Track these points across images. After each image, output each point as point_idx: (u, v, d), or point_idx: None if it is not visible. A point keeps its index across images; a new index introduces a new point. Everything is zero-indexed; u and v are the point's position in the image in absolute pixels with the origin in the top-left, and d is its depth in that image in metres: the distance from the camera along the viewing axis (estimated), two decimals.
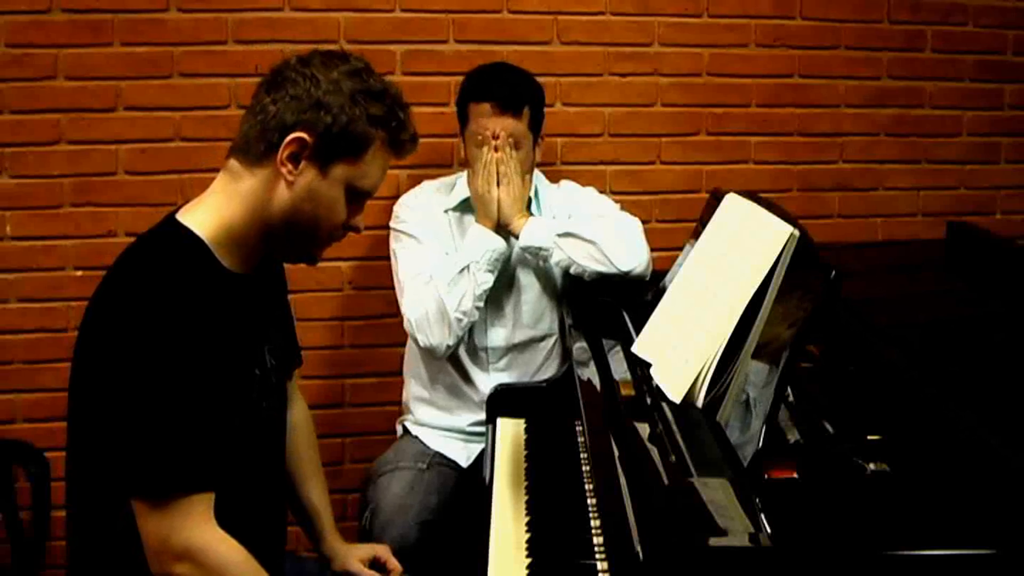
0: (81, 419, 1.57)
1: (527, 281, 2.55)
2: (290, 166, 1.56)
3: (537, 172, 2.65)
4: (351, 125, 1.56)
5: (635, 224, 2.51)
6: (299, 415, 1.99)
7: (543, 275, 2.55)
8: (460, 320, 2.41)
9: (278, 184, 1.57)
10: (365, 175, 1.61)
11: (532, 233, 2.43)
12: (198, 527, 1.49)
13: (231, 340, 1.56)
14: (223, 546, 1.52)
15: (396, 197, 2.81)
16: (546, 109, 2.60)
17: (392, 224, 2.59)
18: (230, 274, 1.60)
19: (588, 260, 2.40)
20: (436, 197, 2.60)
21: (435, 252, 2.51)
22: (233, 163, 1.60)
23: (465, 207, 2.56)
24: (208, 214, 1.59)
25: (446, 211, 2.57)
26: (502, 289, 2.52)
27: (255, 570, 1.54)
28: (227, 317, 1.55)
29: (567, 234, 2.42)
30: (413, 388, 2.63)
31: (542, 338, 2.57)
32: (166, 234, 1.58)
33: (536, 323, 2.56)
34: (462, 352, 2.53)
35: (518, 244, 2.45)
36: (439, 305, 2.39)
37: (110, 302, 1.53)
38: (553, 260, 2.43)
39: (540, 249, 2.43)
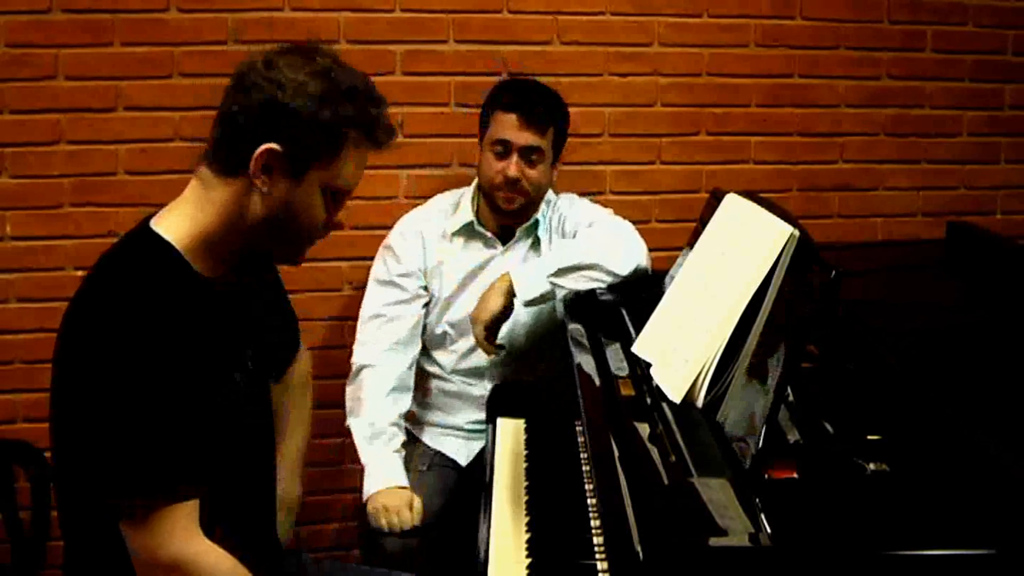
0: (61, 427, 1.55)
1: (528, 319, 2.53)
2: (264, 177, 1.52)
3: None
4: (322, 129, 1.51)
5: (627, 225, 2.49)
6: (298, 377, 1.97)
7: (543, 316, 2.52)
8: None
9: (252, 194, 1.54)
10: (340, 175, 1.56)
11: (527, 287, 2.29)
12: (184, 538, 1.48)
13: (207, 346, 1.53)
14: (212, 556, 1.50)
15: (396, 198, 2.83)
16: None
17: (385, 242, 2.57)
18: (204, 280, 1.57)
19: (594, 283, 2.30)
20: (436, 221, 2.56)
21: (407, 294, 2.50)
22: (204, 171, 1.57)
23: (467, 231, 2.54)
24: (181, 221, 1.57)
25: (446, 235, 2.54)
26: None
27: None
28: (202, 323, 1.53)
29: (568, 269, 2.30)
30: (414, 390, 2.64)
31: (544, 357, 2.56)
32: (138, 242, 1.56)
33: (535, 343, 2.55)
34: (458, 373, 2.56)
35: (520, 303, 2.32)
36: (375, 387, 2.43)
37: (83, 312, 1.52)
38: (560, 296, 2.35)
39: (544, 296, 2.31)
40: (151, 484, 1.46)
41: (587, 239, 2.41)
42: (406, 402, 2.48)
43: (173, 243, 1.55)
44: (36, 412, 2.73)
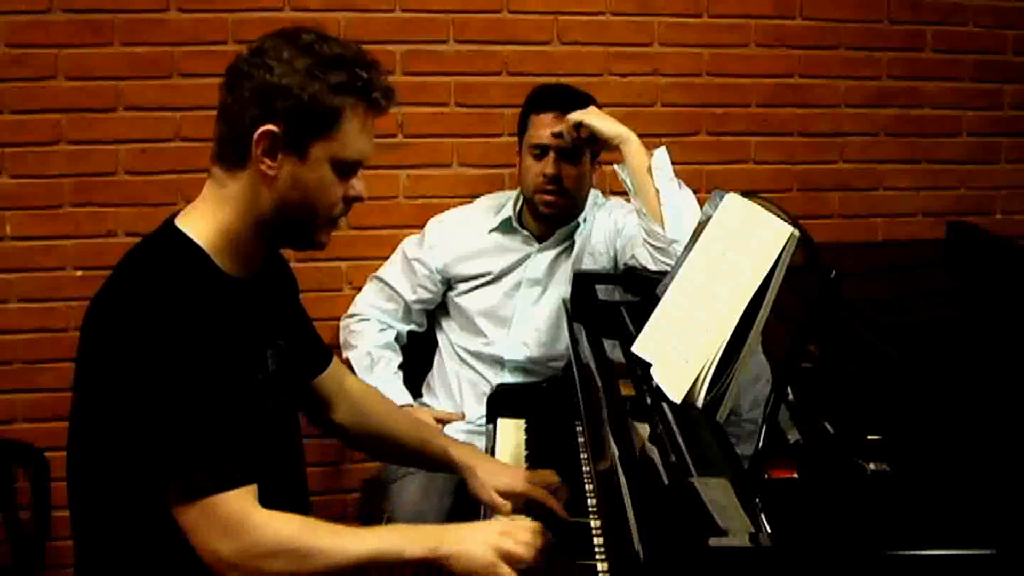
0: (90, 426, 1.54)
1: (551, 299, 2.56)
2: (268, 161, 1.52)
3: (592, 191, 2.64)
4: (315, 102, 1.50)
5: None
6: (356, 387, 1.98)
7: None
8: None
9: (262, 181, 1.54)
10: (346, 146, 1.55)
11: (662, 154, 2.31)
12: (250, 519, 1.47)
13: (234, 344, 1.54)
14: (274, 524, 1.49)
15: (396, 198, 2.83)
16: None
17: (422, 233, 2.65)
18: (230, 279, 1.58)
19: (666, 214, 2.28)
20: (478, 217, 2.64)
21: (413, 277, 2.63)
22: (215, 170, 1.58)
23: (505, 228, 2.60)
24: (204, 220, 1.57)
25: (485, 231, 2.61)
26: (527, 305, 2.56)
27: (316, 530, 1.53)
28: (229, 321, 1.54)
29: (673, 182, 2.32)
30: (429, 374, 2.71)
31: (559, 357, 2.57)
32: (165, 241, 1.57)
33: (554, 343, 2.57)
34: (479, 359, 2.60)
35: (654, 165, 2.31)
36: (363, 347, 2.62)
37: (114, 310, 1.51)
38: (664, 182, 2.28)
39: (662, 168, 2.29)
40: (212, 473, 1.46)
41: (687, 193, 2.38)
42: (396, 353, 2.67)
43: (198, 241, 1.56)
44: (36, 412, 2.74)
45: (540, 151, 2.47)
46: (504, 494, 1.86)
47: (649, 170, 2.31)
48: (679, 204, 2.30)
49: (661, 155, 2.32)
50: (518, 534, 1.59)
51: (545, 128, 2.46)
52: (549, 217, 2.54)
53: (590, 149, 2.49)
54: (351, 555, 1.50)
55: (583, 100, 2.50)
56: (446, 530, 1.61)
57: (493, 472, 1.91)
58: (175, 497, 1.47)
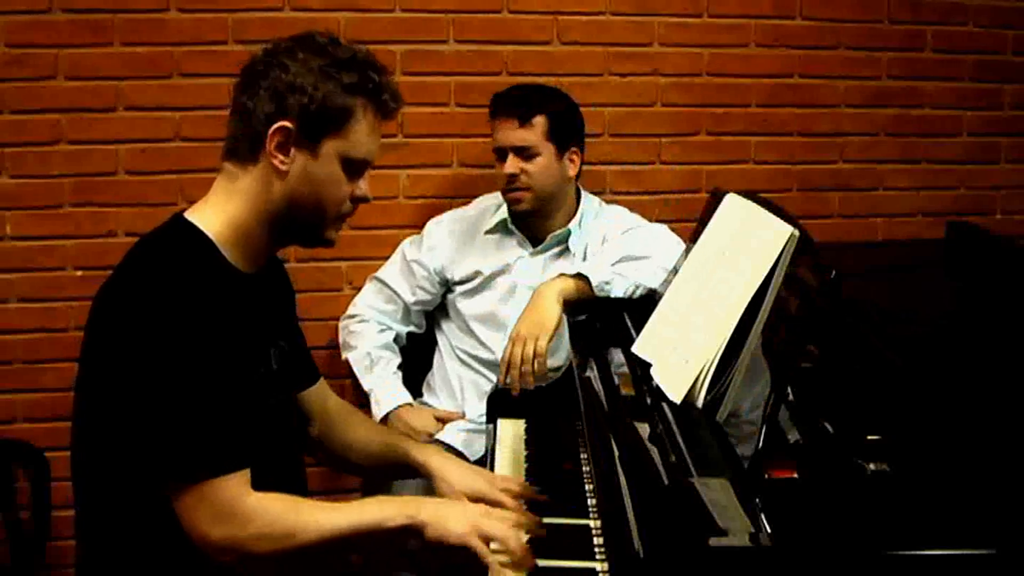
0: (95, 418, 1.56)
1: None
2: (280, 156, 1.57)
3: (588, 196, 2.65)
4: (327, 99, 1.56)
5: (664, 227, 2.52)
6: (335, 406, 1.97)
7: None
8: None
9: (273, 176, 1.58)
10: (356, 144, 1.60)
11: (595, 272, 2.28)
12: (242, 502, 1.49)
13: (239, 335, 1.56)
14: (263, 504, 1.51)
15: (396, 198, 2.83)
16: None
17: (421, 234, 2.66)
18: (238, 272, 1.61)
19: (645, 277, 2.27)
20: (476, 217, 2.65)
21: (412, 279, 2.63)
22: (227, 166, 1.62)
23: (502, 229, 2.61)
24: (214, 213, 1.61)
25: (482, 231, 2.62)
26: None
27: (300, 507, 1.55)
28: (235, 313, 1.56)
29: (622, 259, 2.33)
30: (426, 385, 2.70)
31: (557, 368, 2.56)
32: (175, 232, 1.60)
33: (553, 352, 2.56)
34: (478, 361, 2.61)
35: (595, 289, 2.28)
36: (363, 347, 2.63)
37: (122, 301, 1.53)
38: (619, 291, 2.27)
39: (605, 283, 2.28)
40: (210, 458, 1.48)
41: (640, 236, 2.45)
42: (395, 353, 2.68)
43: (208, 234, 1.59)
44: (36, 412, 2.74)
45: (500, 155, 2.51)
46: (474, 499, 1.82)
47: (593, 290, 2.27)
48: (635, 280, 2.27)
49: (603, 276, 2.27)
50: (499, 518, 1.62)
51: (502, 132, 2.50)
52: (522, 215, 2.55)
53: (552, 143, 2.50)
54: (335, 528, 1.54)
55: (527, 97, 2.51)
56: (428, 501, 1.66)
57: (460, 476, 1.86)
58: (173, 480, 1.49)
